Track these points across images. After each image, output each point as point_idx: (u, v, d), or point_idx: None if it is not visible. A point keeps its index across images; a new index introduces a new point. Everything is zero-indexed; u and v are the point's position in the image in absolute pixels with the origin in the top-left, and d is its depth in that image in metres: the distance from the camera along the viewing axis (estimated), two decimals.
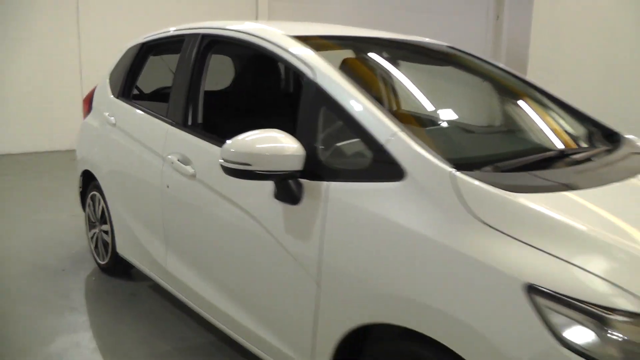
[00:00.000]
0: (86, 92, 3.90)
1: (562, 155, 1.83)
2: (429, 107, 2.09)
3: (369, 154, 1.58)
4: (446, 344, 1.33)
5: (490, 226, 1.32)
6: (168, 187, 2.39)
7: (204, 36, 2.44)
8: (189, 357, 2.47)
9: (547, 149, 1.95)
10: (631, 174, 1.73)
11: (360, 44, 2.32)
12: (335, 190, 1.62)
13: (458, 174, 1.41)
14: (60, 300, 3.00)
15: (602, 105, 6.73)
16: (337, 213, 1.60)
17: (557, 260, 1.23)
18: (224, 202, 2.03)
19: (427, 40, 2.71)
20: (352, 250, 1.56)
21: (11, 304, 2.96)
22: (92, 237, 3.42)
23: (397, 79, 2.43)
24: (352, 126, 1.64)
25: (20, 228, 4.16)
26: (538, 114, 2.31)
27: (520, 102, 2.43)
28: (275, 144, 1.65)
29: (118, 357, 2.47)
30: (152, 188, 2.52)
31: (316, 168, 1.68)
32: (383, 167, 1.53)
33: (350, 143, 1.67)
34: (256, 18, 9.08)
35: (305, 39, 2.02)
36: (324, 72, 1.78)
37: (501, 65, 2.59)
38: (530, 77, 7.91)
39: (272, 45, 2.02)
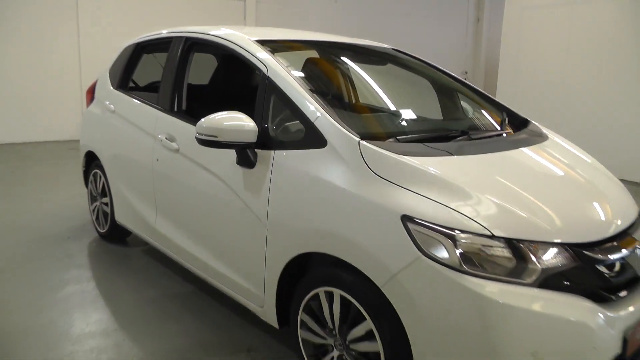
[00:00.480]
0: (85, 88, 4.41)
1: (462, 134, 2.40)
2: (359, 95, 2.67)
3: (302, 129, 2.16)
4: (349, 261, 1.91)
5: (382, 177, 1.90)
6: (157, 160, 2.96)
7: (187, 39, 3.02)
8: (172, 301, 3.03)
9: (451, 130, 2.54)
10: (512, 146, 2.32)
11: (311, 46, 2.89)
12: (279, 156, 2.20)
13: (363, 142, 1.99)
14: (66, 259, 3.56)
15: (559, 102, 7.41)
16: (279, 173, 2.18)
17: (425, 198, 1.80)
18: (199, 169, 2.61)
19: (373, 43, 3.29)
20: (289, 199, 2.13)
21: (25, 262, 3.51)
22: (93, 210, 3.98)
23: (336, 74, 3.01)
24: (292, 109, 2.22)
25: (27, 206, 4.71)
26: (455, 104, 2.91)
27: (441, 94, 3.03)
28: (236, 122, 2.23)
29: (115, 301, 3.03)
30: (145, 162, 3.09)
31: (266, 140, 2.26)
32: (312, 138, 2.11)
33: (290, 122, 2.25)
34: (244, 19, 9.62)
35: (263, 43, 2.60)
36: (274, 69, 2.36)
37: (434, 64, 3.19)
38: (500, 76, 8.43)
39: (239, 47, 2.60)
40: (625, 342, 1.76)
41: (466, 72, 12.44)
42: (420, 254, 1.71)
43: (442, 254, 1.69)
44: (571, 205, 1.96)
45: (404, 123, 2.59)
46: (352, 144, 1.99)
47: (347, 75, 2.97)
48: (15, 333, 2.63)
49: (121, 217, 3.54)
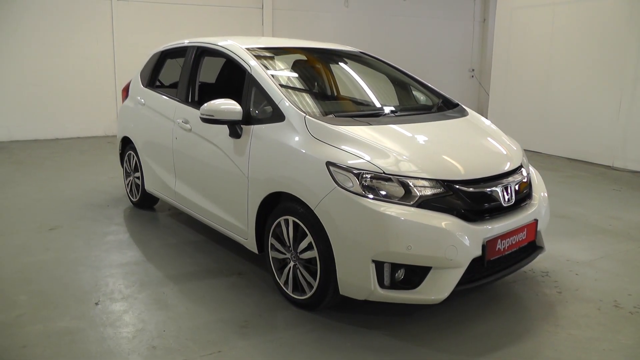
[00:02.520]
0: (119, 90, 5.41)
1: (391, 112, 3.33)
2: (319, 86, 3.63)
3: (271, 109, 3.10)
4: (297, 195, 2.81)
5: (318, 139, 2.81)
6: (176, 138, 3.94)
7: (198, 47, 3.99)
8: (188, 245, 3.99)
9: (383, 109, 3.46)
10: (424, 120, 3.23)
11: (286, 51, 3.84)
12: (256, 129, 3.13)
13: (307, 117, 2.91)
14: (107, 220, 4.58)
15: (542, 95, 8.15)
16: (256, 140, 3.11)
17: (342, 151, 2.70)
18: (205, 142, 3.57)
19: (342, 47, 4.21)
20: (262, 157, 3.06)
21: (76, 221, 4.54)
22: (127, 184, 5.00)
23: (301, 70, 3.94)
24: (265, 96, 3.16)
25: (73, 185, 5.79)
26: (401, 92, 3.83)
27: (396, 85, 3.94)
28: (228, 105, 3.17)
29: (144, 245, 4.01)
30: (167, 141, 4.08)
31: (248, 118, 3.20)
32: (276, 115, 3.04)
33: (264, 105, 3.18)
34: (262, 25, 10.59)
35: (251, 49, 3.54)
36: (255, 69, 3.31)
37: (392, 63, 4.08)
38: (493, 72, 9.10)
39: (233, 54, 3.56)
40: (484, 248, 2.62)
41: (473, 70, 13.15)
42: (336, 185, 2.62)
43: (350, 185, 2.59)
44: (453, 154, 2.84)
45: (346, 105, 3.53)
46: (300, 118, 2.93)
47: (310, 71, 3.92)
48: (73, 264, 3.64)
49: (150, 186, 4.54)
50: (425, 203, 2.58)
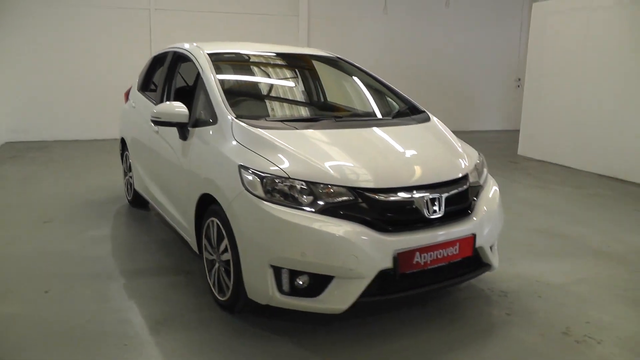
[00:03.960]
0: None
1: (335, 117, 3.29)
2: (273, 91, 3.66)
3: (210, 112, 3.14)
4: (215, 197, 2.83)
5: (238, 142, 2.83)
6: (149, 139, 4.09)
7: (174, 52, 4.12)
8: (155, 245, 4.11)
9: (325, 113, 3.44)
10: (365, 125, 3.19)
11: (248, 56, 3.90)
12: (198, 131, 3.18)
13: (235, 120, 2.94)
14: (99, 216, 4.81)
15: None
16: (196, 141, 3.16)
17: (255, 154, 2.69)
18: (165, 143, 3.68)
19: (318, 52, 4.19)
20: (198, 158, 3.11)
21: (71, 215, 4.81)
22: (125, 183, 5.23)
23: (263, 76, 3.96)
24: (206, 99, 3.21)
25: (87, 182, 6.14)
26: (362, 97, 3.79)
27: (356, 91, 3.88)
28: (176, 108, 3.25)
29: (118, 241, 4.19)
30: (145, 142, 4.24)
31: (195, 121, 3.26)
32: (212, 118, 3.08)
33: (205, 108, 3.23)
34: (298, 32, 10.71)
35: (212, 55, 3.61)
36: (205, 72, 3.37)
37: (366, 69, 4.02)
38: (527, 82, 8.70)
39: (193, 58, 3.65)
40: (395, 260, 2.50)
41: (519, 80, 12.56)
42: (243, 188, 2.61)
43: (255, 189, 2.58)
44: (372, 162, 2.75)
45: (289, 109, 3.52)
46: (227, 121, 2.95)
47: (271, 77, 4.00)
48: (44, 254, 3.86)
49: (137, 186, 4.73)
50: (331, 210, 2.51)
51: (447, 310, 3.08)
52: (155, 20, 9.71)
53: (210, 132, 3.07)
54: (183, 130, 3.31)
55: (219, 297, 2.96)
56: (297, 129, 2.96)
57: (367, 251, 2.46)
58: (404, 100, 3.76)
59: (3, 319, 2.87)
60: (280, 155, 2.68)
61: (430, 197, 2.67)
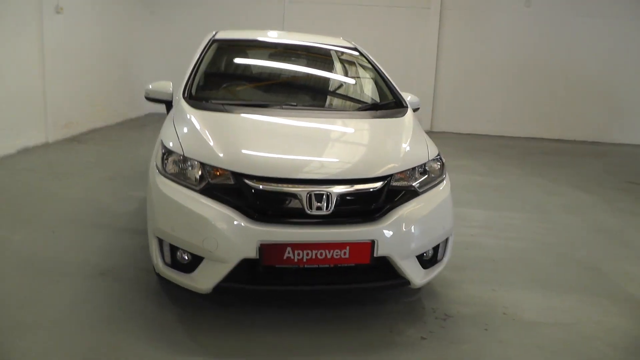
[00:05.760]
0: None
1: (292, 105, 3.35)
2: (248, 76, 3.81)
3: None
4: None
5: (173, 118, 3.05)
6: None
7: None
8: None
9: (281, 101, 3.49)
10: (305, 115, 3.18)
11: (251, 43, 4.09)
12: (181, 102, 3.35)
13: (181, 99, 3.17)
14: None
15: None
16: (178, 111, 3.33)
17: (174, 132, 2.85)
18: None
19: (331, 43, 4.15)
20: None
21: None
22: None
23: (248, 62, 4.09)
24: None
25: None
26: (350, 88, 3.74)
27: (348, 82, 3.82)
28: (165, 87, 3.59)
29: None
30: None
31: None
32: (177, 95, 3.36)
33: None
34: (427, 25, 10.33)
35: (216, 40, 3.90)
36: (196, 54, 3.66)
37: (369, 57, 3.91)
38: None
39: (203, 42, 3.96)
40: (260, 251, 2.47)
41: None
42: (154, 162, 2.82)
43: (158, 162, 2.77)
44: (272, 151, 2.73)
45: (244, 94, 3.73)
46: (178, 99, 3.24)
47: (257, 62, 4.17)
48: (106, 200, 4.60)
49: None
50: (211, 190, 2.56)
51: (357, 318, 2.86)
52: (289, 11, 10.32)
53: (173, 107, 3.36)
54: (169, 106, 3.63)
55: None
56: (228, 112, 3.05)
57: (228, 236, 2.46)
58: (393, 94, 3.55)
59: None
60: (187, 134, 2.82)
61: (315, 192, 2.53)
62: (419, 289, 3.17)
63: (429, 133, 10.66)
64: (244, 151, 2.70)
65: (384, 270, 2.68)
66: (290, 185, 2.54)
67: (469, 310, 3.03)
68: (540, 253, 3.98)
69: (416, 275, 2.73)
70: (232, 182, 2.56)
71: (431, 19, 10.29)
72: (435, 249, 2.89)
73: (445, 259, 2.97)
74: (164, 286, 3.04)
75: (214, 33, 4.06)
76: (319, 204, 2.53)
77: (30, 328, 2.59)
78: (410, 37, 10.38)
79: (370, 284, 2.70)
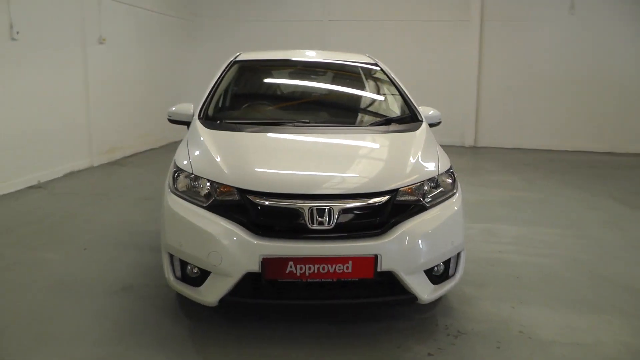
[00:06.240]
0: None
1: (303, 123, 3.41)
2: (266, 96, 3.92)
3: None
4: None
5: (187, 138, 3.17)
6: None
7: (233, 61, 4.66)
8: None
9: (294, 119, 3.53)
10: (315, 132, 3.23)
11: (273, 63, 4.23)
12: (196, 123, 3.49)
13: (197, 120, 3.31)
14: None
15: None
16: (192, 131, 3.47)
17: (186, 151, 2.97)
18: None
19: (351, 59, 4.20)
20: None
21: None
22: None
23: (268, 81, 4.24)
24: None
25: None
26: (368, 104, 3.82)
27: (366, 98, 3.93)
28: (186, 109, 3.74)
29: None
30: None
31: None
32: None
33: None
34: (467, 38, 10.16)
35: (237, 62, 4.06)
36: (216, 75, 3.82)
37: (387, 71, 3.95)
38: None
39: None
40: (263, 265, 2.53)
41: None
42: (170, 181, 2.93)
43: (170, 180, 2.90)
44: (277, 167, 2.82)
45: (258, 113, 3.79)
46: (195, 119, 3.39)
47: (276, 81, 4.32)
48: (136, 220, 4.83)
49: None
50: (217, 207, 2.65)
51: (368, 334, 2.85)
52: (328, 31, 10.48)
53: (189, 128, 3.49)
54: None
55: None
56: (238, 131, 3.16)
57: (232, 251, 2.53)
58: (409, 108, 3.59)
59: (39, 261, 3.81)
60: (197, 153, 2.94)
61: (317, 207, 2.56)
62: (434, 305, 3.12)
63: (473, 149, 10.80)
64: (248, 168, 2.79)
65: (390, 286, 2.66)
66: (291, 201, 2.59)
67: (483, 328, 2.94)
68: (569, 270, 3.81)
69: (424, 290, 2.70)
70: (237, 198, 2.64)
71: (472, 32, 10.13)
72: (447, 264, 2.85)
73: (458, 275, 2.91)
74: (180, 300, 3.14)
75: (236, 55, 4.21)
76: (320, 218, 2.56)
77: (49, 341, 2.75)
78: (450, 51, 10.25)
79: (376, 299, 2.69)
